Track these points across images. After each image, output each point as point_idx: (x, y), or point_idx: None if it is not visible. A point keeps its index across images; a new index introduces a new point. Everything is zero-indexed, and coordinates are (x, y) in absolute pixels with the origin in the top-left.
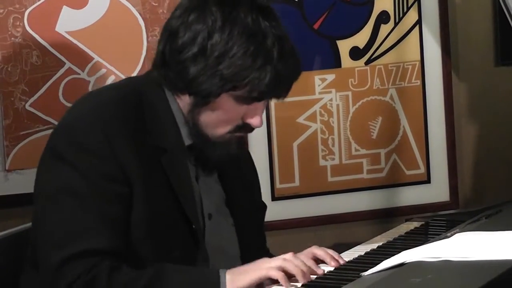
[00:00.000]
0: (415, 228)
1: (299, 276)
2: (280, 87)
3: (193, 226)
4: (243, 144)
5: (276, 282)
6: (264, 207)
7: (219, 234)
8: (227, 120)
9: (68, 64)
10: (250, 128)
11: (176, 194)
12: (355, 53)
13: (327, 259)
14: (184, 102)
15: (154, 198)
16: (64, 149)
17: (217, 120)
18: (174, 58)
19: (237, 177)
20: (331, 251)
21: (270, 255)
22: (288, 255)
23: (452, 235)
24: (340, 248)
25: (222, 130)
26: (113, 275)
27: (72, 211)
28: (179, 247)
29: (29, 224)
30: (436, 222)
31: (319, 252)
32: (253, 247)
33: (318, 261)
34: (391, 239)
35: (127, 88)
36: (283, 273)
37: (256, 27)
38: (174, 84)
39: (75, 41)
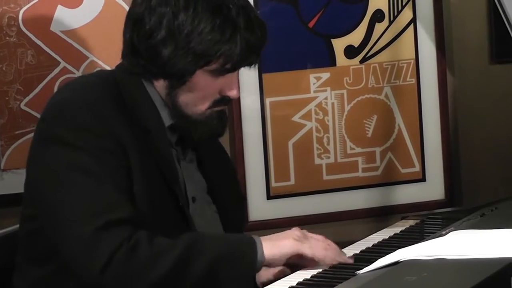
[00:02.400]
0: (411, 226)
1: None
2: (251, 54)
3: (180, 204)
4: (225, 121)
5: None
6: (244, 199)
7: (204, 218)
8: (205, 96)
9: (63, 64)
10: (228, 101)
11: (163, 174)
12: (350, 51)
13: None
14: (160, 86)
15: (146, 174)
16: (60, 133)
17: (195, 98)
18: (144, 44)
19: (217, 167)
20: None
21: None
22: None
23: (447, 233)
24: None
25: (202, 107)
26: (153, 242)
27: (90, 186)
28: (170, 224)
29: None
30: (432, 220)
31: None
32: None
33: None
34: (386, 237)
35: (105, 75)
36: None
37: (218, 0)
38: (147, 71)
39: (69, 40)
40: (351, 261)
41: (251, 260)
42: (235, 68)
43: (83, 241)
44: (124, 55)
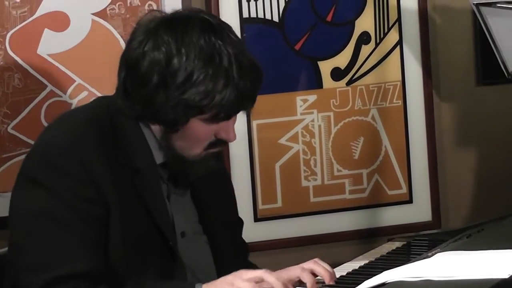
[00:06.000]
0: (397, 248)
1: None
2: (245, 102)
3: (170, 243)
4: (221, 158)
5: None
6: (240, 222)
7: (194, 252)
8: (199, 141)
9: (50, 87)
10: (224, 143)
11: (150, 212)
12: (337, 73)
13: (326, 278)
14: (156, 129)
15: (129, 217)
16: (39, 173)
17: (190, 143)
18: (137, 91)
19: (211, 194)
20: (329, 268)
21: (255, 267)
22: (266, 273)
23: (433, 254)
24: None
25: (196, 151)
26: None
27: (51, 235)
28: (156, 264)
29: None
30: (418, 242)
31: (318, 269)
32: (230, 263)
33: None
34: (373, 259)
35: (100, 109)
36: None
37: (210, 49)
38: (141, 116)
39: (56, 64)
40: None
41: None
42: (229, 116)
43: None
44: (118, 95)
